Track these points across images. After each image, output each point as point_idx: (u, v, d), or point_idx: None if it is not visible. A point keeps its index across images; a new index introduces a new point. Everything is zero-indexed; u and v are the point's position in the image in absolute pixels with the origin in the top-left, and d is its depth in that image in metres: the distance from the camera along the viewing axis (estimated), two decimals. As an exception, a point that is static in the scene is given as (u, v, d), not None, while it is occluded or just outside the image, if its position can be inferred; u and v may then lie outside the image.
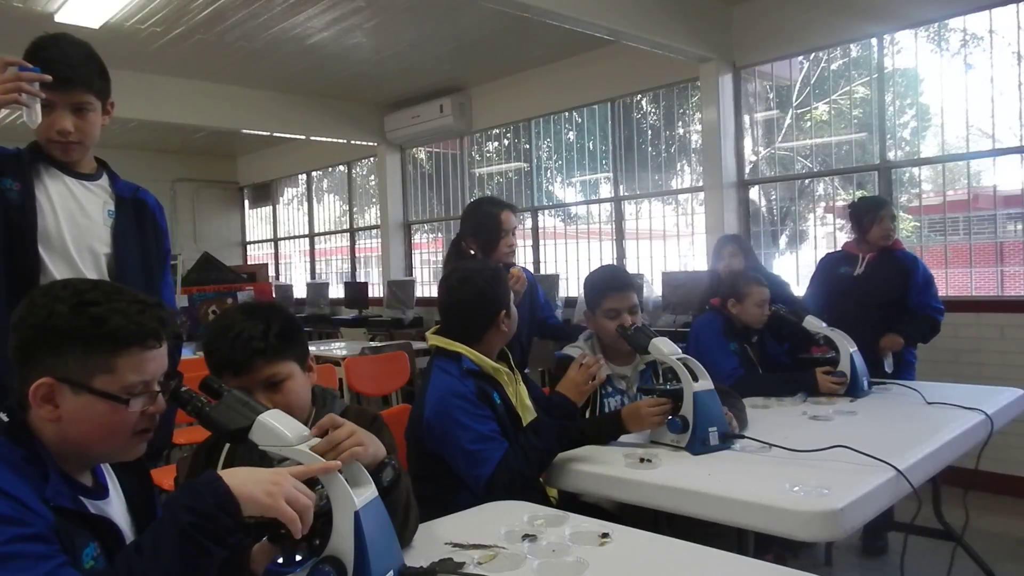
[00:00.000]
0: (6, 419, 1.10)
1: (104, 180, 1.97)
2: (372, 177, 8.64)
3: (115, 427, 1.11)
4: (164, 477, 3.01)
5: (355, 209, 9.02)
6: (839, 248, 3.79)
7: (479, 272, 2.13)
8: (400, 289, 7.48)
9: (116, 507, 1.20)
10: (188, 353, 2.08)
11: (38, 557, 0.97)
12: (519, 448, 1.92)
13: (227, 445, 1.52)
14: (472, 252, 2.95)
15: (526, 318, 2.86)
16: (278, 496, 1.04)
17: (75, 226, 1.86)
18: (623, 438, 2.10)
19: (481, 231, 2.84)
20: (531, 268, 6.72)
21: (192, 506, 1.00)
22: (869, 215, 3.47)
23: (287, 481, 1.06)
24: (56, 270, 1.82)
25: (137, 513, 1.23)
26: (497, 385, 2.08)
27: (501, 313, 2.09)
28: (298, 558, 1.16)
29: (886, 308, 3.38)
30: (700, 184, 5.56)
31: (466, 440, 1.92)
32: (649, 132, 6.10)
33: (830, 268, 3.63)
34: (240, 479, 1.04)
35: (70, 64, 1.78)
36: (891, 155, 4.66)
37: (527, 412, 2.15)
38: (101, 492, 1.18)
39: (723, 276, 3.49)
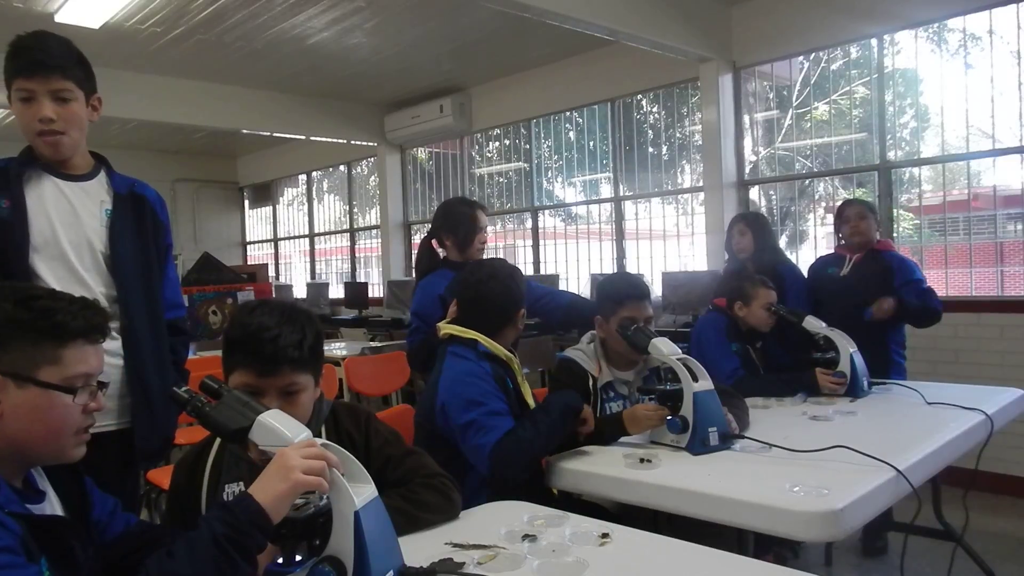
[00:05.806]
0: None
1: (102, 177, 1.95)
2: (372, 177, 8.63)
3: (58, 422, 1.10)
4: (164, 477, 3.02)
5: (355, 209, 9.02)
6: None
7: (502, 268, 2.22)
8: (400, 289, 7.47)
9: (55, 510, 1.17)
10: (189, 353, 2.08)
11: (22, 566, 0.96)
12: (527, 421, 1.96)
13: (212, 457, 1.51)
14: (444, 250, 3.00)
15: None
16: (293, 475, 1.06)
17: (71, 230, 1.84)
18: (623, 438, 2.11)
19: (459, 229, 2.94)
20: (531, 268, 6.73)
21: (226, 519, 1.03)
22: (841, 213, 3.50)
23: (293, 456, 1.08)
24: (55, 277, 1.80)
25: (75, 515, 1.20)
26: (509, 371, 2.13)
27: (520, 311, 2.18)
28: (298, 558, 1.16)
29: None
30: (700, 184, 5.56)
31: (476, 412, 1.95)
32: (649, 132, 6.10)
33: (819, 269, 3.63)
34: (260, 489, 1.07)
35: (45, 50, 1.78)
36: (891, 155, 4.66)
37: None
38: (37, 496, 1.15)
39: (728, 276, 3.47)
